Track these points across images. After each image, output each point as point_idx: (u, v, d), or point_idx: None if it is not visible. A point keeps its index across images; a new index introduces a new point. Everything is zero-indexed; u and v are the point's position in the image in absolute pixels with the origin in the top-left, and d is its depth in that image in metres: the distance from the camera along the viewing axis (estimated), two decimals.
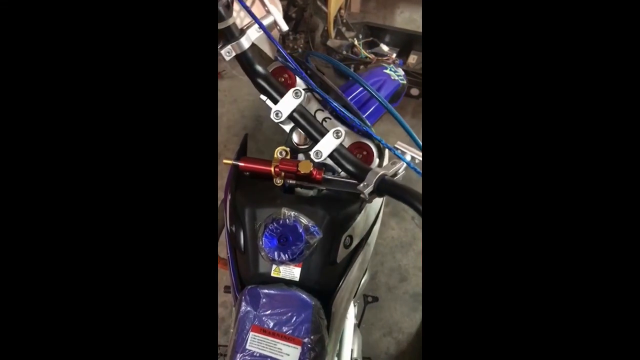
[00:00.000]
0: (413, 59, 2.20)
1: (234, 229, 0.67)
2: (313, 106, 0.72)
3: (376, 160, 0.71)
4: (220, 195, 0.75)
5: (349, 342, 0.84)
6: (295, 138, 0.73)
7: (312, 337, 0.58)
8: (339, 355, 0.80)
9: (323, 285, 0.65)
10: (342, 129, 0.64)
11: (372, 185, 0.57)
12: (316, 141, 0.66)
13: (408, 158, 0.63)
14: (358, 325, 1.06)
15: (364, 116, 0.70)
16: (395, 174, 0.60)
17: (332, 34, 2.16)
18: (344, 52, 2.08)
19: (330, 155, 0.65)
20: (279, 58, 0.71)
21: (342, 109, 0.65)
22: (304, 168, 0.64)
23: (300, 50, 2.17)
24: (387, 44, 2.27)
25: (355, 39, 2.15)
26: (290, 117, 0.66)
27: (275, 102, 0.66)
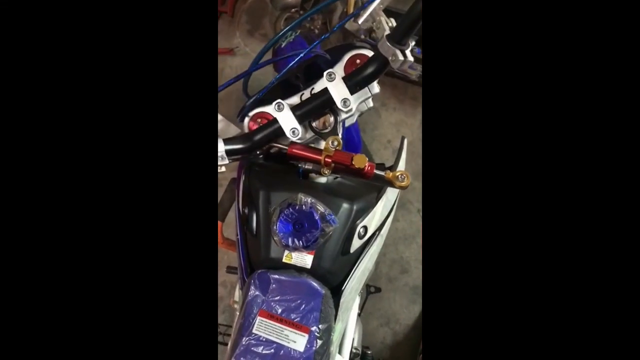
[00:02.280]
0: None
1: (246, 210, 0.66)
2: (296, 98, 0.71)
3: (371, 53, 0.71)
4: (232, 174, 0.74)
5: (352, 331, 0.83)
6: (315, 123, 0.71)
7: (320, 326, 0.57)
8: (341, 344, 0.79)
9: (334, 275, 0.63)
10: (327, 72, 0.64)
11: (392, 47, 0.58)
12: (332, 104, 0.64)
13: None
14: (359, 314, 1.06)
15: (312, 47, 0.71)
16: (390, 28, 0.60)
17: None
18: (362, 36, 2.03)
19: (352, 90, 0.64)
20: (238, 117, 0.73)
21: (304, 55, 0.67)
22: (359, 162, 0.60)
23: (317, 31, 2.12)
24: None
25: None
26: (300, 121, 0.65)
27: (282, 133, 0.65)
